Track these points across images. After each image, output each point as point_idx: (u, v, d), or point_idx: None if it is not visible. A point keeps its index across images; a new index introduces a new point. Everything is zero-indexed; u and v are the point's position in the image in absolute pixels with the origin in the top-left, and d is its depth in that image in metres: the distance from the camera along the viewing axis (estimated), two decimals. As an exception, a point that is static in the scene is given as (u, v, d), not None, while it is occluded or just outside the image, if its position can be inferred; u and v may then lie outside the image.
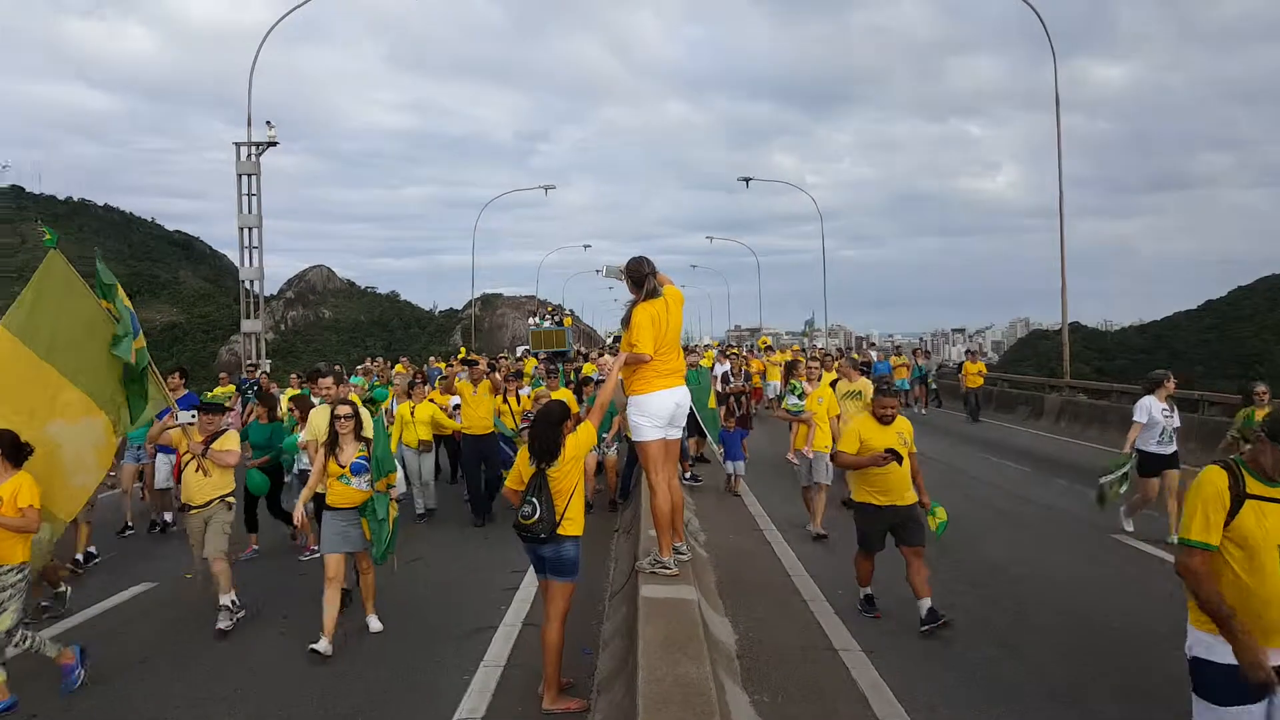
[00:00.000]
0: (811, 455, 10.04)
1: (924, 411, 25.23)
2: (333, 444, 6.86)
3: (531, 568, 6.18)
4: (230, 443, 7.91)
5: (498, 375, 12.60)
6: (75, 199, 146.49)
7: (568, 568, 5.64)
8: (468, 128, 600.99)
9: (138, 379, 7.14)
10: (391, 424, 11.55)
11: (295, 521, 8.04)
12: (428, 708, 5.68)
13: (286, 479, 10.67)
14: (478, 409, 11.33)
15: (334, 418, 6.92)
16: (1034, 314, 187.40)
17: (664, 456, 6.42)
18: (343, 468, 6.78)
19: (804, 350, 32.64)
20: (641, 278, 6.32)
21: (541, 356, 28.24)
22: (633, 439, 6.73)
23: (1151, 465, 9.73)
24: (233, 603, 7.30)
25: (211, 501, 7.62)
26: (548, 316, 48.92)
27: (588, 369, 18.57)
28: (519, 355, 33.13)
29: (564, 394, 12.16)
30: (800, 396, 10.48)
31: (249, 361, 21.99)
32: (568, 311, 62.13)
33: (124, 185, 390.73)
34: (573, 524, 5.58)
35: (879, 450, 6.71)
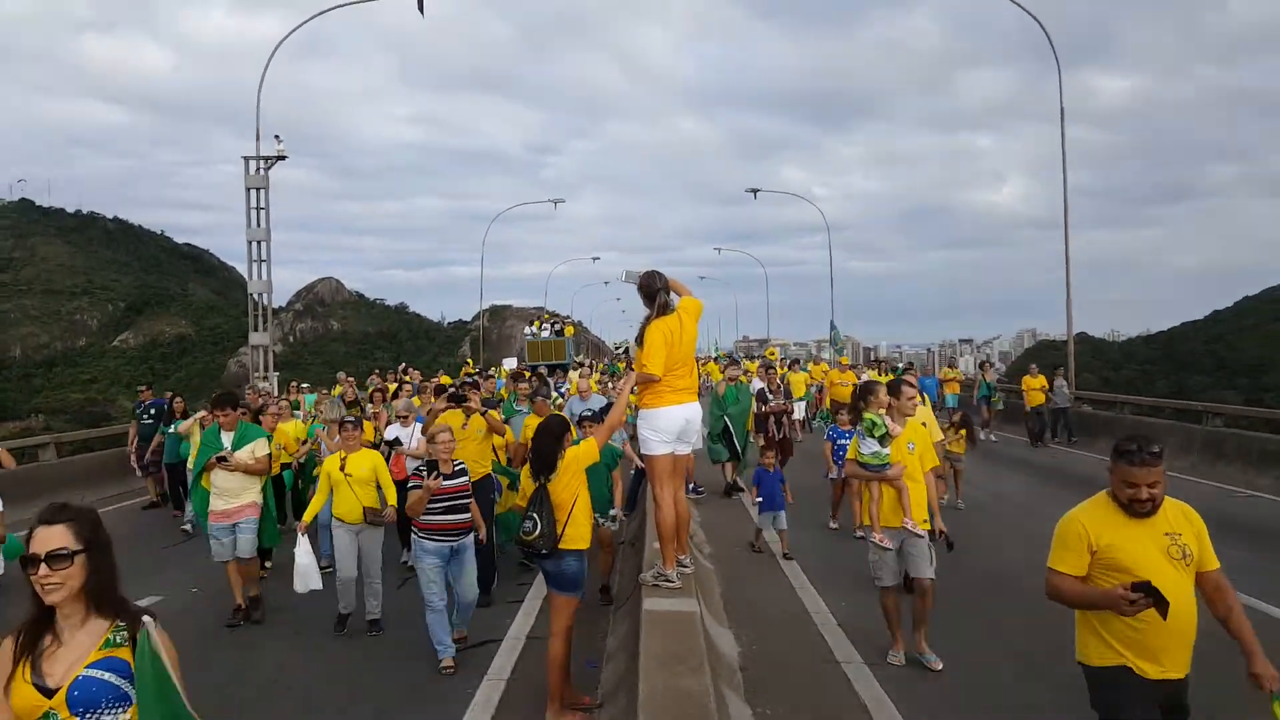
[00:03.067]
0: (919, 533, 6.43)
1: (993, 438, 21.02)
2: (38, 629, 2.60)
3: (539, 579, 6.24)
4: None
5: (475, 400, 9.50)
6: (85, 212, 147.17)
7: (569, 583, 5.70)
8: (478, 141, 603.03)
9: None
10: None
11: None
12: (432, 720, 5.69)
13: None
14: (466, 448, 8.39)
15: (29, 559, 2.56)
16: (1041, 325, 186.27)
17: (671, 471, 6.44)
18: (49, 693, 2.51)
19: (852, 367, 23.83)
20: (653, 293, 6.27)
21: (540, 370, 24.89)
22: (641, 452, 6.73)
23: None
24: None
25: None
26: (546, 325, 42.62)
27: (577, 386, 17.39)
28: (514, 369, 29.81)
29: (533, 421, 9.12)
30: (883, 440, 6.64)
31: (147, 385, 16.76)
32: (570, 320, 55.44)
33: (134, 199, 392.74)
34: (575, 539, 5.64)
35: (1133, 570, 3.55)
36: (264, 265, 25.34)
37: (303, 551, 7.33)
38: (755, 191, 48.86)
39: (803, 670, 6.40)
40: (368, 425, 10.04)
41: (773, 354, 30.28)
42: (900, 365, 24.52)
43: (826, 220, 49.98)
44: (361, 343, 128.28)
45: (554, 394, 16.11)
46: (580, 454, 5.78)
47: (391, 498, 7.78)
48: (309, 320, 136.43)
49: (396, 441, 9.68)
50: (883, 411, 6.73)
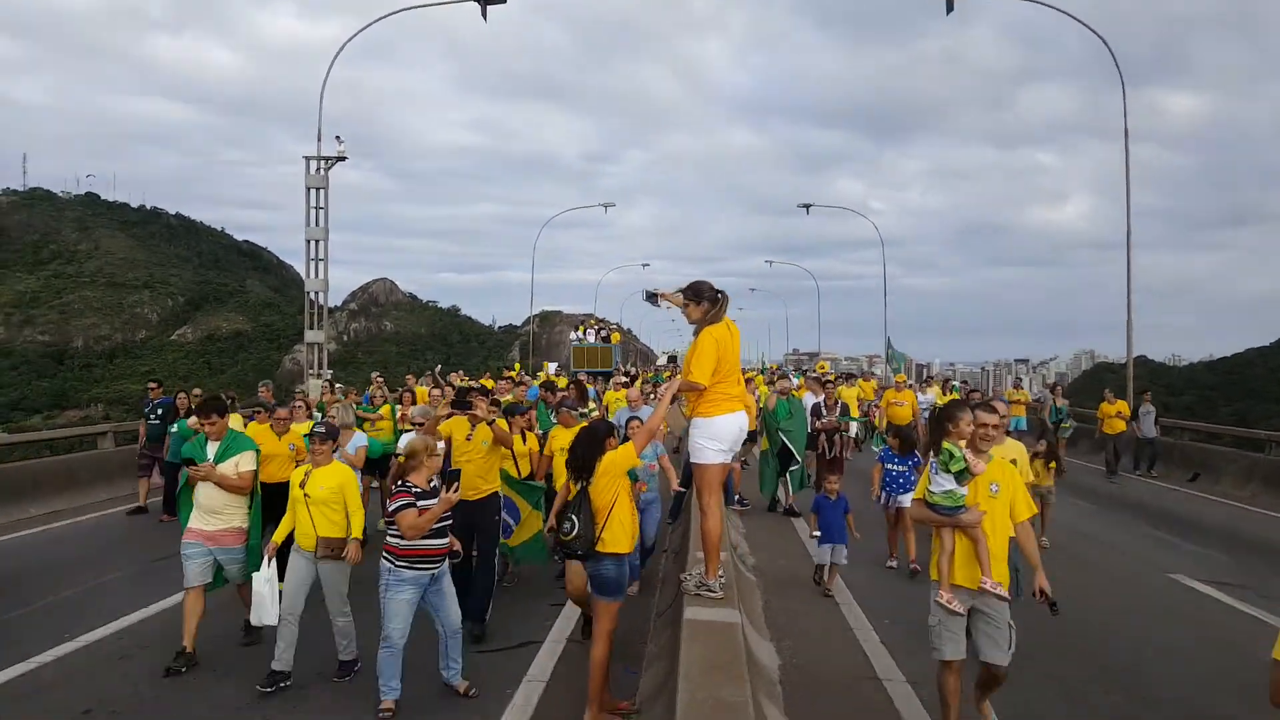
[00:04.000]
0: (1002, 595, 5.08)
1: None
2: None
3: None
4: None
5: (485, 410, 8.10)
6: (148, 207, 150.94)
7: (609, 586, 5.69)
8: (535, 148, 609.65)
9: None
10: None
11: None
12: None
13: None
14: (471, 460, 7.68)
15: None
16: (1099, 346, 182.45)
17: (721, 480, 6.39)
18: None
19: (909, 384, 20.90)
20: (714, 295, 6.03)
21: (580, 378, 22.95)
22: (693, 460, 6.40)
23: None
24: None
25: None
26: (593, 331, 42.12)
27: (610, 397, 16.79)
28: (552, 373, 28.54)
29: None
30: (960, 478, 5.18)
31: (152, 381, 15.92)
32: (617, 327, 53.61)
33: (196, 195, 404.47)
34: (612, 542, 5.62)
35: None
36: (321, 264, 25.71)
37: (263, 579, 6.31)
38: (808, 207, 48.71)
39: (843, 685, 6.33)
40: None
41: (823, 367, 29.28)
42: (956, 384, 22.92)
43: (881, 235, 49.44)
44: (413, 344, 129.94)
45: (590, 402, 15.43)
46: (618, 458, 5.77)
47: (358, 527, 6.37)
48: (363, 320, 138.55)
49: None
50: (963, 443, 5.22)
